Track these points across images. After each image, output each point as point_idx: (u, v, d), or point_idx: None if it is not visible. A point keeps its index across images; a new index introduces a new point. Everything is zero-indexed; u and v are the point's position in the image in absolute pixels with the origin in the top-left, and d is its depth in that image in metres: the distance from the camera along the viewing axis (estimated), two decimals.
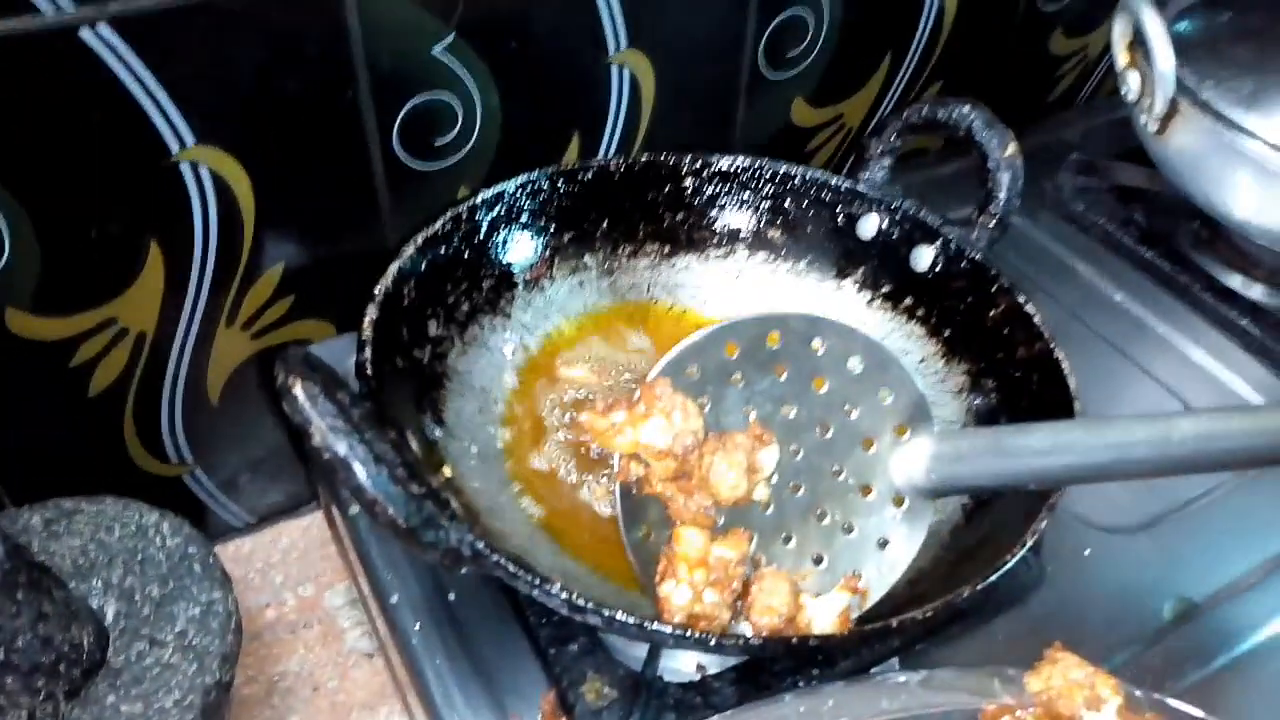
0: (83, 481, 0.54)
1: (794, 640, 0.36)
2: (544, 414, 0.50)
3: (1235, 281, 0.67)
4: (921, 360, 0.53)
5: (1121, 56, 0.64)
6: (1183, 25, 0.66)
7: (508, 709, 0.43)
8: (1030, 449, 0.41)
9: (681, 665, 0.44)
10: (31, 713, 0.44)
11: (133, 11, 0.43)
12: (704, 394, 0.44)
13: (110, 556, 0.50)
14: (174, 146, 0.48)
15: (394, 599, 0.47)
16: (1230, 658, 0.47)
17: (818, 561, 0.44)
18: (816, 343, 0.45)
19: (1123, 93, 0.64)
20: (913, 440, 0.45)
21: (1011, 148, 0.51)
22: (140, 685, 0.46)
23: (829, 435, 0.46)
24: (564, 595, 0.34)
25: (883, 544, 0.45)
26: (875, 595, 0.43)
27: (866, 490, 0.45)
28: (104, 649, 0.47)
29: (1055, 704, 0.35)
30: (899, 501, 0.45)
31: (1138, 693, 0.36)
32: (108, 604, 0.49)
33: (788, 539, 0.44)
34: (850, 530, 0.45)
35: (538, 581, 0.34)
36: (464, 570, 0.35)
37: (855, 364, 0.46)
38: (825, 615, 0.40)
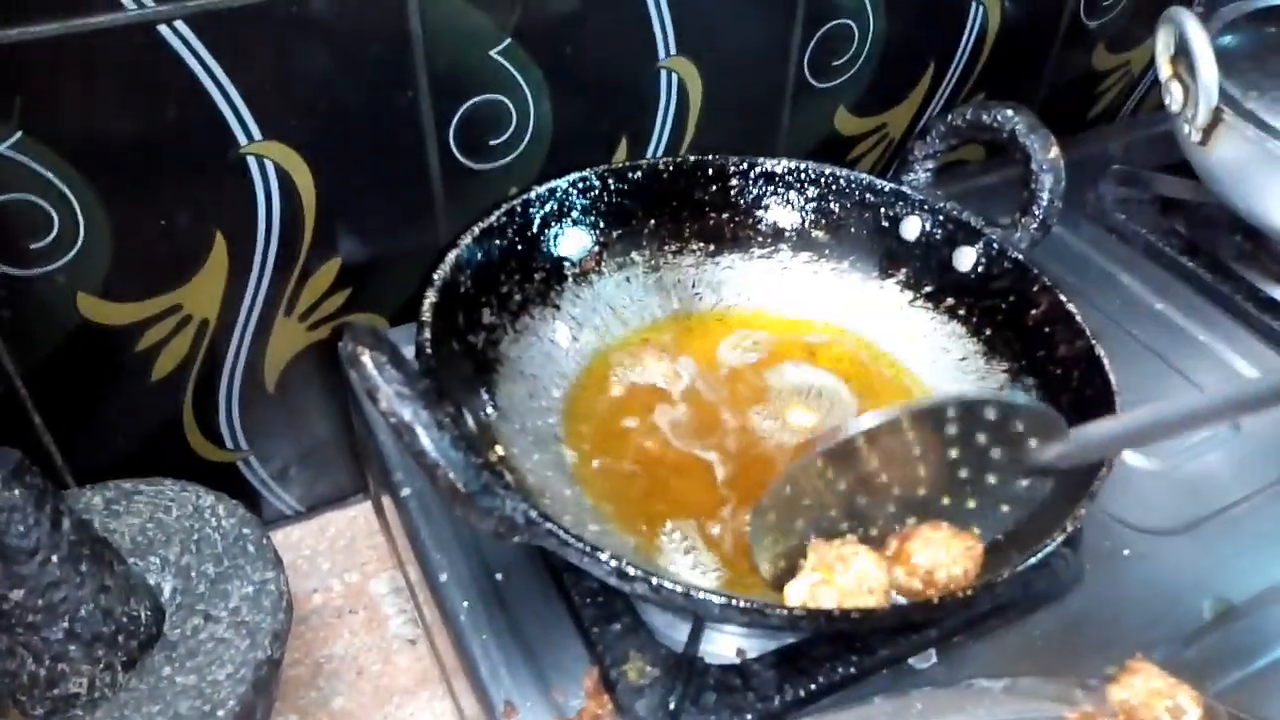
0: (142, 464, 0.56)
1: (834, 613, 0.36)
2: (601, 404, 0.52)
3: (1279, 292, 0.67)
4: (962, 359, 0.54)
5: (1165, 68, 0.64)
6: (1227, 39, 0.66)
7: (551, 685, 0.44)
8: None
9: (722, 649, 0.45)
10: (92, 680, 0.45)
11: (209, 9, 0.45)
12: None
13: (168, 535, 0.52)
14: (242, 140, 0.50)
15: (443, 578, 0.48)
16: (1270, 660, 0.47)
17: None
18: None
19: (1166, 103, 0.65)
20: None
21: (1054, 150, 0.51)
22: (195, 658, 0.47)
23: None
24: (613, 563, 0.35)
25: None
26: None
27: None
28: (160, 623, 0.49)
29: (1137, 713, 0.36)
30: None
31: (1216, 705, 0.36)
32: (165, 580, 0.50)
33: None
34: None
35: (588, 549, 0.35)
36: (517, 539, 0.36)
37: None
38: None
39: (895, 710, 0.37)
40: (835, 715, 0.36)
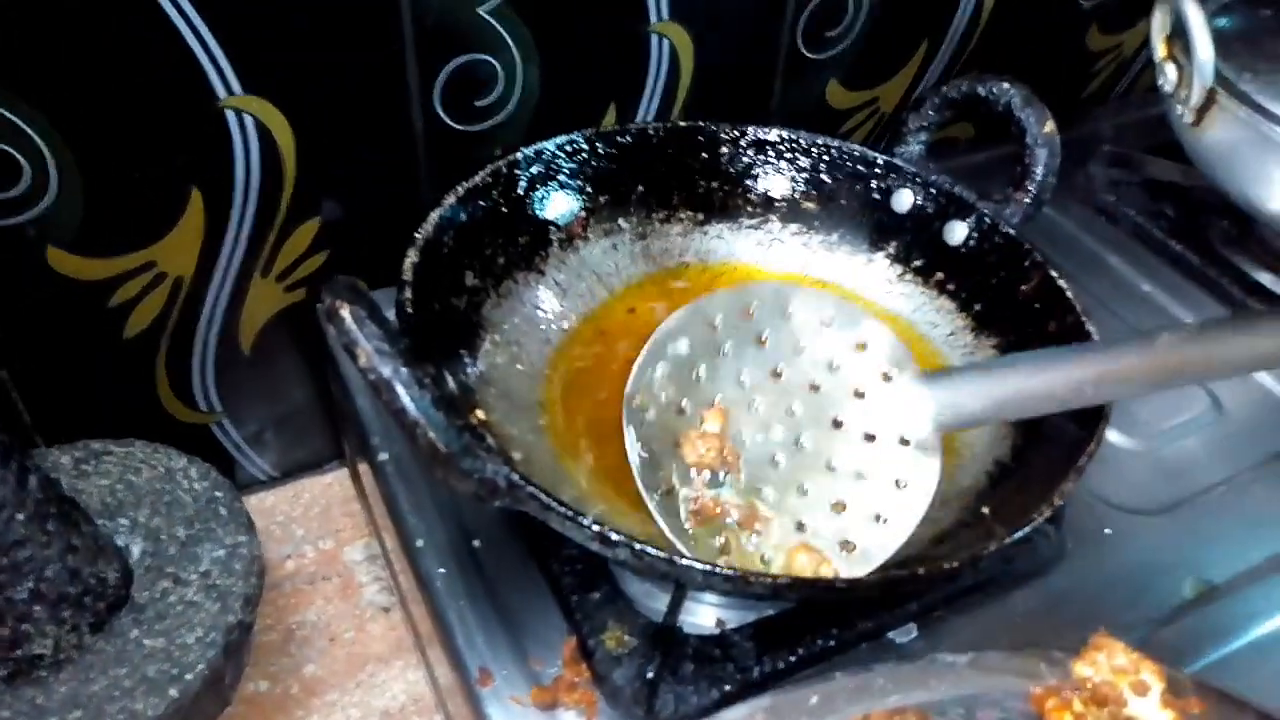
0: (113, 424, 0.55)
1: (818, 583, 0.36)
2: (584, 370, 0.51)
3: (1265, 278, 0.67)
4: (951, 334, 0.53)
5: (1160, 48, 0.64)
6: (1222, 21, 0.66)
7: (528, 654, 0.43)
8: (1019, 377, 0.44)
9: (701, 619, 0.44)
10: (57, 642, 0.45)
11: None
12: (697, 367, 0.48)
13: (138, 497, 0.51)
14: (221, 94, 0.48)
15: (419, 543, 0.47)
16: (1248, 640, 0.47)
17: (840, 509, 0.45)
18: (792, 307, 0.49)
19: (1159, 84, 0.64)
20: (900, 384, 0.47)
21: (1049, 125, 0.51)
22: (163, 621, 0.47)
23: (821, 391, 0.48)
24: (595, 528, 0.34)
25: (901, 485, 0.46)
26: (901, 536, 0.44)
27: (870, 438, 0.47)
28: (129, 585, 0.48)
29: (1101, 689, 0.36)
30: (905, 443, 0.46)
31: (1180, 676, 0.36)
32: (134, 542, 0.50)
33: (804, 491, 0.45)
34: (863, 476, 0.46)
35: (571, 514, 0.35)
36: (498, 503, 0.35)
37: (830, 323, 0.49)
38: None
39: (858, 686, 0.36)
40: (796, 690, 0.36)
